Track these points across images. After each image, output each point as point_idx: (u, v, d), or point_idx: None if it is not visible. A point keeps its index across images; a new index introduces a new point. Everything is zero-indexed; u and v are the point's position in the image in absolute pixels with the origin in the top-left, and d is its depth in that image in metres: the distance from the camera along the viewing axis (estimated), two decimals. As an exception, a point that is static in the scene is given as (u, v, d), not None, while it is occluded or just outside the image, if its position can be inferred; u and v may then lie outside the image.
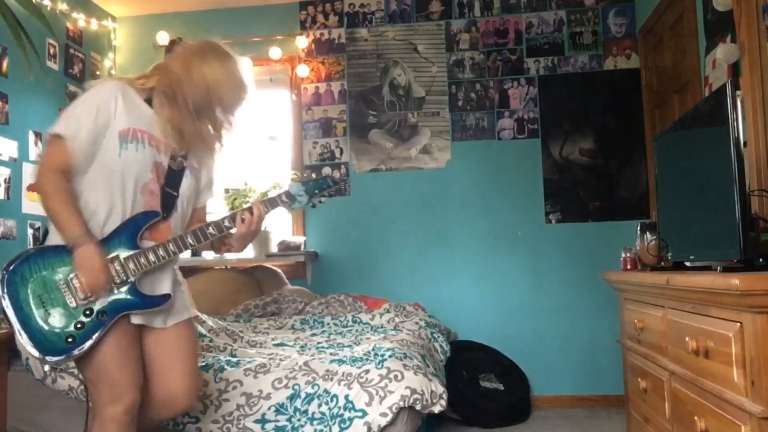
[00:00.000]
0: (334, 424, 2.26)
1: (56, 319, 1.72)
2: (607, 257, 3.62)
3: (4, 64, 3.45)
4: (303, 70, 4.33)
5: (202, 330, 2.94)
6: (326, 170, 4.28)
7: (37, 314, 1.71)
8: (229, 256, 4.10)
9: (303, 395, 2.33)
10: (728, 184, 1.73)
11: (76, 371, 2.58)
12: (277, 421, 2.30)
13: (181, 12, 4.43)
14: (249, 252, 4.13)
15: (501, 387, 3.72)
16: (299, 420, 2.30)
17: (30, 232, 3.58)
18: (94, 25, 4.24)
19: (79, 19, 4.11)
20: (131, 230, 1.80)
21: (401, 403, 2.26)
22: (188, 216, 1.99)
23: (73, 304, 1.73)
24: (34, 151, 3.63)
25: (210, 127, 1.92)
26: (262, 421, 2.31)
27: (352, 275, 4.20)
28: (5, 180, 3.41)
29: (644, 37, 3.95)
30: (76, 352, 1.72)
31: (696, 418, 1.74)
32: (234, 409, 2.33)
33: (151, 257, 1.80)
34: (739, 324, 1.48)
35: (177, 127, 1.83)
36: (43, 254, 1.77)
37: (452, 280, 4.12)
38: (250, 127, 2.03)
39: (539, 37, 4.19)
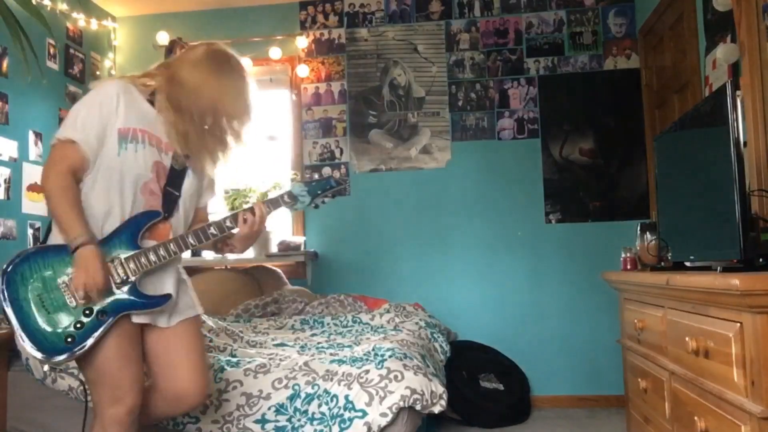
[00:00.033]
0: (334, 424, 2.26)
1: (56, 319, 1.71)
2: (607, 257, 3.62)
3: (4, 64, 3.45)
4: (303, 70, 4.33)
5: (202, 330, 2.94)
6: (326, 170, 4.28)
7: (37, 314, 1.71)
8: (230, 256, 4.09)
9: (303, 395, 2.33)
10: (728, 184, 1.73)
11: (76, 371, 2.58)
12: (277, 421, 2.30)
13: (181, 12, 4.43)
14: (249, 252, 4.12)
15: (501, 387, 3.72)
16: (299, 420, 2.30)
17: (30, 232, 3.58)
18: (94, 25, 4.24)
19: (79, 19, 4.11)
20: (132, 230, 1.80)
21: (401, 403, 2.25)
22: (191, 216, 1.98)
23: (73, 304, 1.73)
24: (34, 151, 3.63)
25: (216, 135, 1.88)
26: (262, 421, 2.31)
27: (352, 275, 4.20)
28: (5, 180, 3.41)
29: (644, 37, 3.95)
30: (75, 352, 1.71)
31: (696, 418, 1.74)
32: (234, 409, 2.33)
33: (152, 257, 1.79)
34: (739, 324, 1.48)
35: (181, 132, 1.82)
36: (43, 254, 1.77)
37: (452, 280, 4.12)
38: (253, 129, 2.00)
39: (539, 37, 4.19)
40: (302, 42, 4.34)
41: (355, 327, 3.37)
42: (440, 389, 2.36)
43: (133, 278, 1.78)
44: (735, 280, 1.42)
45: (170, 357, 1.89)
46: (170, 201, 1.88)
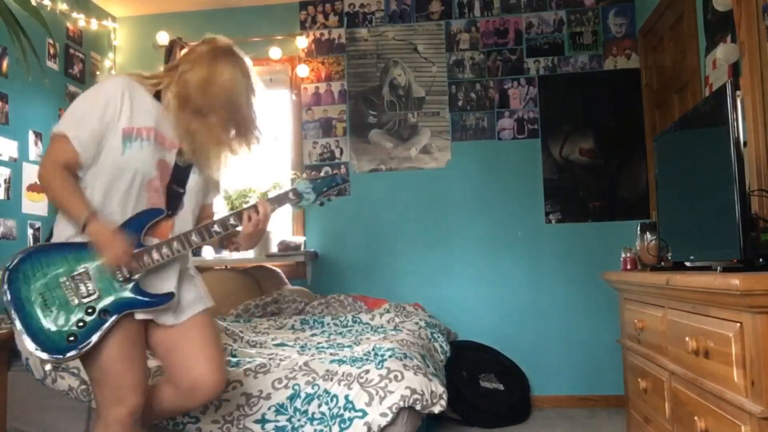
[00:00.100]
0: (334, 424, 2.26)
1: (58, 318, 1.70)
2: (607, 257, 3.62)
3: (4, 64, 3.45)
4: (303, 70, 4.33)
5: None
6: (326, 170, 4.28)
7: (40, 312, 1.70)
8: (230, 256, 4.11)
9: (303, 395, 2.33)
10: (728, 184, 1.73)
11: (76, 371, 2.58)
12: (277, 421, 2.30)
13: (181, 12, 4.43)
14: (249, 252, 4.13)
15: (501, 387, 3.72)
16: (299, 420, 2.30)
17: (30, 232, 3.58)
18: (94, 25, 4.24)
19: (79, 19, 4.12)
20: (134, 228, 1.78)
21: (401, 403, 2.25)
22: (196, 213, 1.96)
23: (75, 302, 1.72)
24: (34, 151, 3.63)
25: (223, 132, 1.86)
26: (262, 421, 2.31)
27: (352, 275, 4.20)
28: (5, 180, 3.41)
29: (644, 37, 3.95)
30: (77, 350, 1.71)
31: (696, 418, 1.74)
32: (234, 409, 2.33)
33: (155, 255, 1.78)
34: (739, 324, 1.48)
35: (188, 130, 1.81)
36: (46, 252, 1.76)
37: (452, 280, 4.12)
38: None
39: (539, 37, 4.19)
40: (302, 42, 4.34)
41: (355, 327, 3.37)
42: (440, 389, 2.36)
43: (136, 276, 1.77)
44: (735, 280, 1.42)
45: (184, 350, 1.87)
46: (174, 198, 1.86)
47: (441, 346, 3.28)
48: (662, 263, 2.44)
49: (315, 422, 2.28)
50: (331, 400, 2.30)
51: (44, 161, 1.78)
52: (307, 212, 4.29)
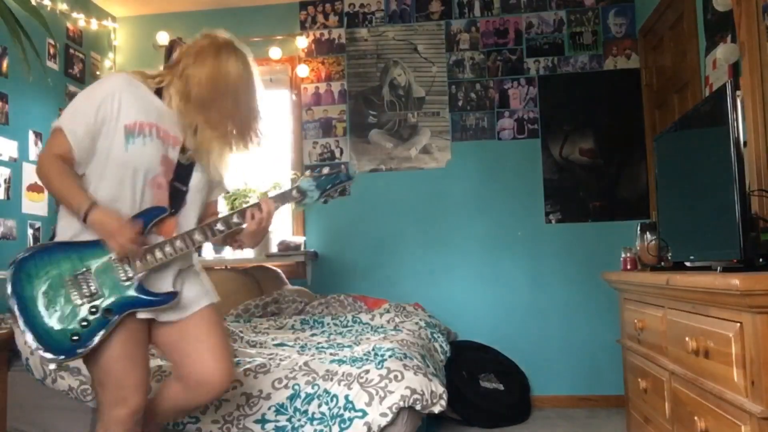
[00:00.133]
0: (334, 424, 2.26)
1: (62, 317, 1.70)
2: (607, 257, 3.62)
3: (4, 64, 3.45)
4: (303, 70, 4.33)
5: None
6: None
7: (43, 312, 1.69)
8: (229, 256, 4.11)
9: (303, 395, 2.33)
10: (728, 184, 1.73)
11: (76, 371, 2.58)
12: (277, 421, 2.30)
13: (181, 12, 4.43)
14: (249, 252, 4.13)
15: (501, 387, 3.72)
16: (299, 420, 2.30)
17: (30, 232, 3.58)
18: (94, 25, 4.24)
19: (79, 19, 4.12)
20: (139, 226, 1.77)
21: (401, 403, 2.25)
22: (200, 211, 1.95)
23: (79, 302, 1.71)
24: (34, 151, 3.63)
25: (226, 128, 1.85)
26: (262, 421, 2.31)
27: (352, 275, 4.20)
28: (5, 180, 3.41)
29: (644, 37, 3.95)
30: (81, 350, 1.70)
31: (696, 418, 1.74)
32: (234, 409, 2.33)
33: (158, 254, 1.77)
34: (739, 324, 1.48)
35: (191, 125, 1.80)
36: (49, 251, 1.76)
37: (452, 280, 4.12)
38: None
39: (539, 37, 4.19)
40: (302, 42, 4.34)
41: (355, 327, 3.37)
42: (440, 389, 2.36)
43: (139, 275, 1.76)
44: (735, 280, 1.42)
45: (189, 346, 1.85)
46: (177, 196, 1.85)
47: (441, 346, 3.28)
48: (662, 263, 2.44)
49: (315, 422, 2.28)
50: (331, 400, 2.30)
51: (41, 154, 1.78)
52: (307, 212, 4.29)
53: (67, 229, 1.80)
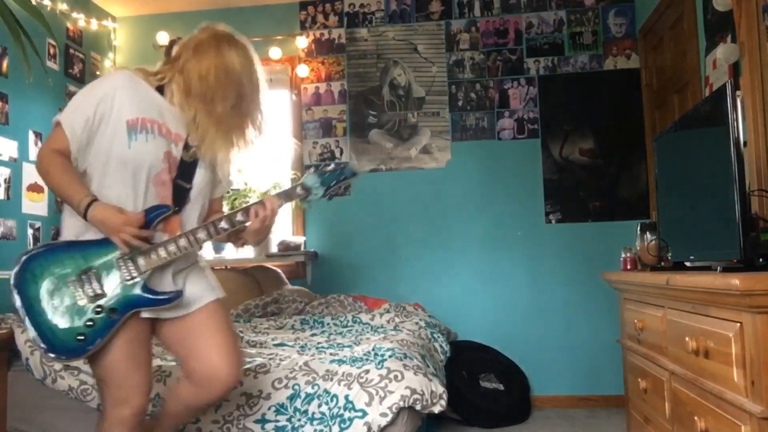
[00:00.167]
0: (334, 424, 2.26)
1: (67, 317, 1.69)
2: (607, 257, 3.62)
3: (4, 64, 3.45)
4: (303, 70, 4.33)
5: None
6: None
7: (48, 312, 1.69)
8: (229, 256, 4.11)
9: (303, 395, 2.33)
10: (728, 184, 1.73)
11: (76, 371, 2.58)
12: (277, 421, 2.30)
13: (181, 12, 4.43)
14: (249, 252, 4.13)
15: (501, 387, 3.72)
16: (299, 420, 2.29)
17: (30, 232, 3.58)
18: (94, 25, 4.25)
19: (79, 19, 4.12)
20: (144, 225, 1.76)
21: (401, 403, 2.25)
22: (205, 208, 1.93)
23: (83, 302, 1.70)
24: (34, 151, 3.63)
25: (229, 121, 1.83)
26: (262, 421, 2.31)
27: (352, 275, 4.20)
28: (5, 180, 3.41)
29: (644, 37, 3.95)
30: (88, 350, 1.69)
31: (696, 418, 1.74)
32: (234, 409, 2.33)
33: (162, 253, 1.75)
34: (739, 324, 1.48)
35: (194, 121, 1.79)
36: (53, 251, 1.75)
37: (452, 280, 4.12)
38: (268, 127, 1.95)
39: (539, 37, 4.19)
40: (302, 42, 4.34)
41: (355, 327, 3.37)
42: (440, 389, 2.36)
43: (144, 275, 1.75)
44: (735, 280, 1.42)
45: (195, 341, 1.84)
46: (181, 193, 1.83)
47: (441, 346, 3.28)
48: (662, 263, 2.44)
49: (315, 422, 2.28)
50: (331, 400, 2.30)
51: (42, 150, 1.77)
52: (307, 212, 4.29)
53: (72, 228, 1.79)
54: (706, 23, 2.92)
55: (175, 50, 1.89)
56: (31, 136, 3.63)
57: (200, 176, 1.87)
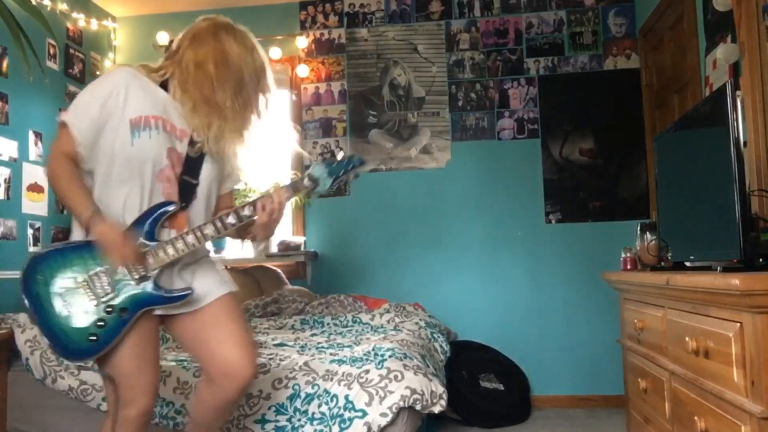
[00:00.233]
0: (334, 424, 2.26)
1: (78, 318, 1.68)
2: (607, 257, 3.62)
3: (4, 64, 3.45)
4: (303, 70, 4.33)
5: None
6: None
7: (59, 313, 1.68)
8: (230, 256, 4.11)
9: (303, 395, 2.33)
10: (728, 184, 1.73)
11: (76, 371, 2.59)
12: (277, 421, 2.30)
13: (181, 12, 4.43)
14: (249, 252, 4.13)
15: (501, 387, 3.72)
16: (299, 420, 2.30)
17: (30, 232, 3.58)
18: (94, 25, 4.24)
19: (79, 19, 4.12)
20: (149, 223, 1.75)
21: (401, 403, 2.25)
22: (213, 204, 1.92)
23: (94, 302, 1.69)
24: (34, 151, 3.63)
25: (233, 112, 1.81)
26: (262, 421, 2.31)
27: (352, 275, 4.20)
28: (5, 180, 3.41)
29: (644, 37, 3.95)
30: (100, 350, 1.69)
31: (696, 418, 1.74)
32: (234, 409, 2.33)
33: (170, 251, 1.74)
34: (739, 324, 1.48)
35: (194, 111, 1.77)
36: (62, 251, 1.74)
37: (452, 280, 4.12)
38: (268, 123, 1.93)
39: (539, 37, 4.19)
40: (302, 42, 4.34)
41: (355, 327, 3.37)
42: (440, 389, 2.36)
43: (153, 273, 1.73)
44: (735, 280, 1.42)
45: (208, 335, 1.82)
46: (187, 189, 1.82)
47: (441, 346, 3.28)
48: (662, 263, 2.44)
49: (315, 422, 2.28)
50: (331, 400, 2.30)
51: (51, 152, 1.76)
52: (307, 212, 4.29)
53: (81, 229, 1.78)
54: (706, 23, 2.92)
55: (175, 44, 1.87)
56: (31, 136, 3.63)
57: (207, 171, 1.85)
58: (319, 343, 2.94)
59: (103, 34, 4.44)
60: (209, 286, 1.86)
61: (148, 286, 1.73)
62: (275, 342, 2.97)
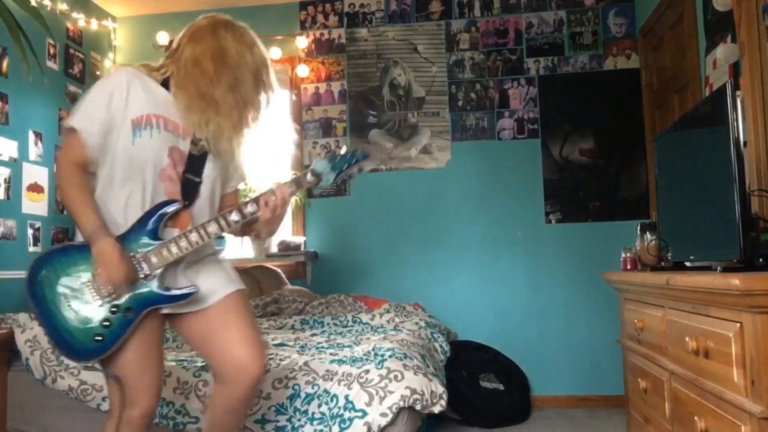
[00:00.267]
0: (334, 424, 2.26)
1: (83, 319, 1.68)
2: (607, 257, 3.62)
3: (4, 64, 3.45)
4: (303, 70, 4.33)
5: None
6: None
7: (65, 315, 1.68)
8: (229, 256, 4.10)
9: (303, 395, 2.33)
10: (728, 184, 1.73)
11: (76, 371, 2.58)
12: (277, 421, 2.30)
13: (181, 12, 4.43)
14: (249, 252, 4.13)
15: (501, 387, 3.72)
16: (299, 420, 2.30)
17: (30, 232, 3.57)
18: (94, 25, 4.24)
19: (79, 19, 4.12)
20: (151, 222, 1.75)
21: (401, 403, 2.25)
22: (217, 202, 1.91)
23: (99, 302, 1.69)
24: (34, 151, 3.63)
25: (233, 108, 1.80)
26: (262, 421, 2.31)
27: (352, 275, 4.20)
28: (5, 180, 3.41)
29: (644, 37, 3.95)
30: (106, 350, 1.69)
31: (696, 418, 1.74)
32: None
33: (174, 249, 1.73)
34: (739, 324, 1.48)
35: (191, 109, 1.76)
36: (66, 252, 1.74)
37: (452, 280, 4.12)
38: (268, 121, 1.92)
39: (539, 37, 4.19)
40: (302, 42, 4.34)
41: (355, 327, 3.37)
42: (440, 389, 2.36)
43: (156, 272, 1.73)
44: (735, 280, 1.42)
45: (217, 333, 1.81)
46: (190, 188, 1.81)
47: (441, 346, 3.28)
48: (662, 263, 2.44)
49: (315, 422, 2.28)
50: (331, 400, 2.30)
51: (61, 160, 1.76)
52: (307, 212, 4.29)
53: None
54: (706, 23, 2.92)
55: (175, 42, 1.87)
56: (31, 136, 3.63)
57: (210, 169, 1.84)
58: (319, 343, 2.94)
59: (103, 34, 4.44)
60: (215, 285, 1.86)
61: (153, 285, 1.73)
62: (275, 342, 2.97)
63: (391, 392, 2.28)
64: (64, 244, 1.82)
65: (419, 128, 4.25)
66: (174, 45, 1.87)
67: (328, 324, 3.43)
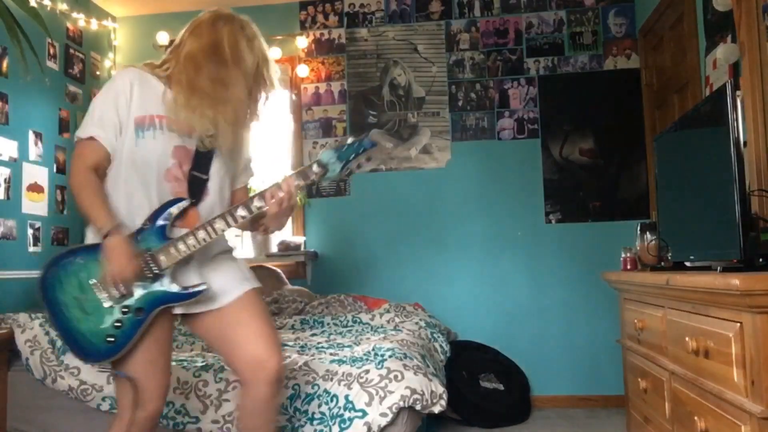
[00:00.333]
0: (334, 424, 2.26)
1: (94, 320, 1.69)
2: (607, 257, 3.62)
3: (4, 64, 3.45)
4: (303, 70, 4.33)
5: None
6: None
7: (77, 316, 1.69)
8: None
9: (303, 395, 2.33)
10: (728, 184, 1.73)
11: (76, 371, 2.58)
12: (277, 421, 2.30)
13: (181, 12, 4.42)
14: (249, 252, 4.13)
15: (501, 387, 3.72)
16: (299, 420, 2.30)
17: (30, 232, 3.57)
18: (94, 25, 4.24)
19: (79, 19, 4.12)
20: (160, 221, 1.74)
21: (401, 403, 2.25)
22: (227, 199, 1.90)
23: (109, 303, 1.70)
24: (34, 151, 3.63)
25: (236, 104, 1.79)
26: (262, 421, 2.30)
27: (352, 275, 4.20)
28: (5, 180, 3.41)
29: (644, 37, 3.95)
30: (119, 351, 1.69)
31: (696, 418, 1.74)
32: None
33: (182, 247, 1.72)
34: (739, 324, 1.48)
35: (188, 104, 1.75)
36: (76, 255, 1.75)
37: (452, 280, 4.12)
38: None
39: (539, 37, 4.19)
40: (302, 42, 4.34)
41: (355, 327, 3.37)
42: (440, 389, 2.36)
43: (165, 271, 1.72)
44: (735, 280, 1.42)
45: (234, 332, 1.81)
46: (197, 186, 1.80)
47: (441, 346, 3.28)
48: (662, 263, 2.44)
49: (315, 422, 2.28)
50: (331, 400, 2.30)
51: (75, 166, 1.75)
52: (307, 212, 4.29)
53: (95, 234, 1.77)
54: (706, 23, 2.92)
55: (178, 38, 1.86)
56: (31, 136, 3.63)
57: (217, 166, 1.84)
58: (319, 343, 2.94)
59: (103, 34, 4.44)
60: (229, 284, 1.84)
61: (163, 284, 1.73)
62: (275, 342, 2.97)
63: (391, 392, 2.28)
64: (75, 246, 1.83)
65: (419, 128, 4.25)
66: (177, 40, 1.86)
67: (328, 324, 3.43)
